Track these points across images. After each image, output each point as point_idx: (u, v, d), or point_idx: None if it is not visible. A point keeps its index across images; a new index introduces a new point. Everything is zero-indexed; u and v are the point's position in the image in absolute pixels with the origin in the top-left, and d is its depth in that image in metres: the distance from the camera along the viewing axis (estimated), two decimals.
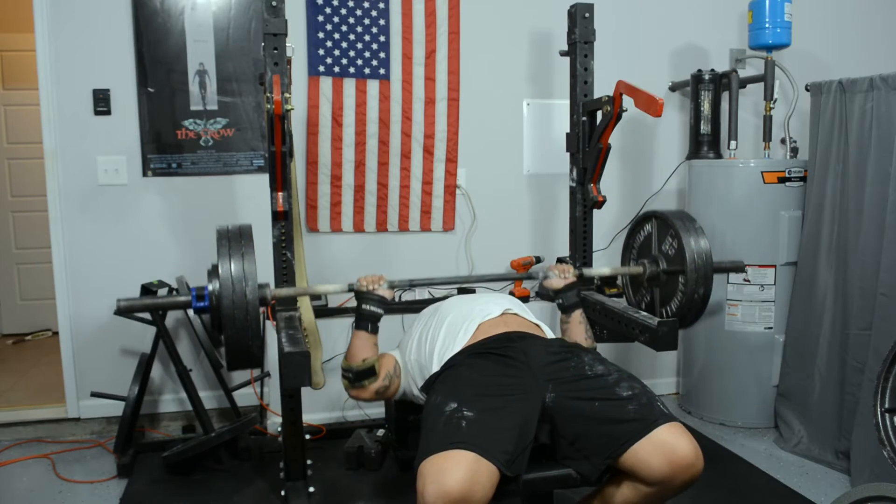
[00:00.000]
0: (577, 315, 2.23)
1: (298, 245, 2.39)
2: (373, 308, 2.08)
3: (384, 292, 2.11)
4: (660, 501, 1.73)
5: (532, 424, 1.73)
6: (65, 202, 3.05)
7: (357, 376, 2.05)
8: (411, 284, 2.30)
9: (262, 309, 3.04)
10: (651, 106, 2.17)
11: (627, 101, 2.33)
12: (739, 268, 2.49)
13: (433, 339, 2.07)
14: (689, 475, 1.65)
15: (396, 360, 2.18)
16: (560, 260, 2.63)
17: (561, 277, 2.25)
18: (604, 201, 2.51)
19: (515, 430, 1.68)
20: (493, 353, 1.92)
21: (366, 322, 2.08)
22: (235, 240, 1.80)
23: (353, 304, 3.13)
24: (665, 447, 1.64)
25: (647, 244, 2.41)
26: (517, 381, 1.82)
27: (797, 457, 2.89)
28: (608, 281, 3.37)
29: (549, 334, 2.14)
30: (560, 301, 2.24)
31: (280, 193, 2.15)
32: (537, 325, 2.15)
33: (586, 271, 2.44)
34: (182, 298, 1.85)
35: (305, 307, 2.42)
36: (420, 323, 2.22)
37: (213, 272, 1.78)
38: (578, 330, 2.22)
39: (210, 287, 1.77)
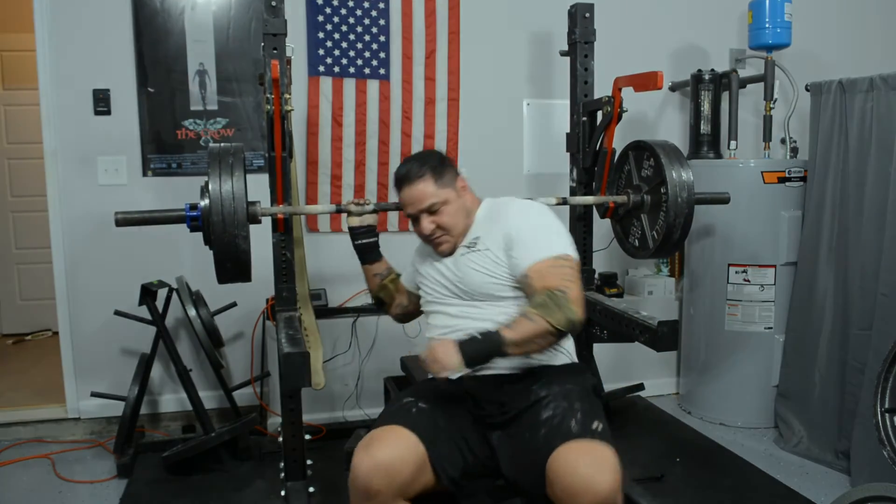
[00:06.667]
0: None
1: (299, 245, 2.39)
2: (362, 241, 2.17)
3: (370, 220, 2.17)
4: None
5: (473, 445, 1.76)
6: (65, 202, 3.05)
7: (376, 303, 2.25)
8: (397, 207, 2.34)
9: (262, 309, 3.09)
10: (651, 81, 2.16)
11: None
12: (724, 199, 2.48)
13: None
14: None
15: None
16: None
17: None
18: (615, 207, 2.48)
19: (461, 442, 1.74)
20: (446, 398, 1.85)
21: (362, 255, 2.18)
22: (226, 158, 1.88)
23: (353, 303, 3.17)
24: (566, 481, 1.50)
25: (630, 176, 2.44)
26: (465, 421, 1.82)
27: (797, 457, 2.88)
28: (608, 281, 3.38)
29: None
30: None
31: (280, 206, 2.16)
32: None
33: (571, 199, 2.48)
34: (176, 212, 1.94)
35: (306, 307, 2.42)
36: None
37: (204, 188, 1.88)
38: None
39: (202, 203, 1.88)
